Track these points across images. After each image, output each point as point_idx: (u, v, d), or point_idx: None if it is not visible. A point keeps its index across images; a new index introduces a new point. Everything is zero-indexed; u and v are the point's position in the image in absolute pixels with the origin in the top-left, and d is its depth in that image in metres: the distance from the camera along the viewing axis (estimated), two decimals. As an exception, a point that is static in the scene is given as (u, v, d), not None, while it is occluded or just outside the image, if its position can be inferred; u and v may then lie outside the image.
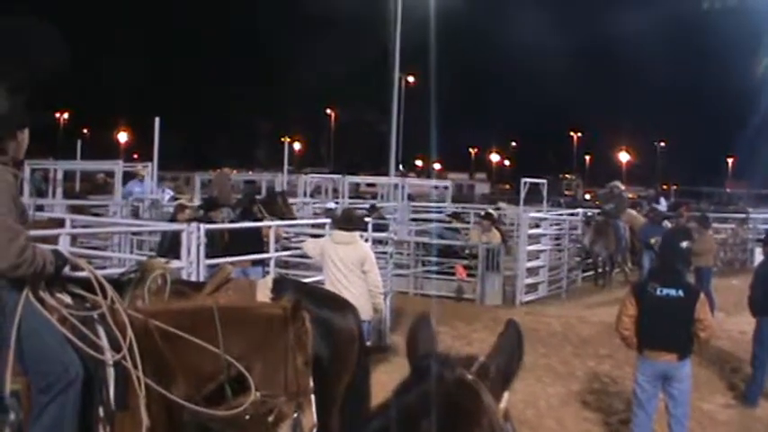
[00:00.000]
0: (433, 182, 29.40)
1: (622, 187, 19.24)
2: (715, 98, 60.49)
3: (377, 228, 11.42)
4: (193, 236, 7.59)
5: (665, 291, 6.42)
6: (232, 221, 10.05)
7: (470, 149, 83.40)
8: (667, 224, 15.67)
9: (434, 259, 15.25)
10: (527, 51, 54.87)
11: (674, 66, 64.00)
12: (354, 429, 4.62)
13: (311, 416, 4.04)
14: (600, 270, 16.79)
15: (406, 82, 37.89)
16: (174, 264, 6.68)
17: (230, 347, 3.89)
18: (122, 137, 62.84)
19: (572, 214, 17.86)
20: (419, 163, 65.00)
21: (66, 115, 64.50)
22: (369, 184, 27.75)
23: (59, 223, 9.09)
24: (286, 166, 19.65)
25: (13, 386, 3.56)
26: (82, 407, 3.60)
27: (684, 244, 7.31)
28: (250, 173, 30.94)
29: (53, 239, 6.84)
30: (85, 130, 53.33)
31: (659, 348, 6.39)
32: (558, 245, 16.52)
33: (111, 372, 3.73)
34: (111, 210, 13.86)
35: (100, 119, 59.13)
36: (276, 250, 9.69)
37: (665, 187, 50.73)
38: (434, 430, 1.62)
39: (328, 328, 5.08)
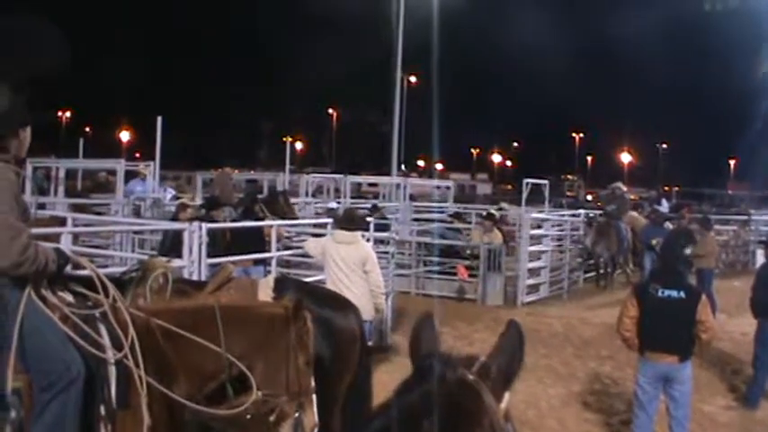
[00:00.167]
0: (435, 182, 29.38)
1: (624, 188, 19.26)
2: (717, 99, 60.54)
3: (378, 227, 11.41)
4: (195, 235, 7.60)
5: (667, 292, 6.41)
6: (234, 221, 10.06)
7: (472, 150, 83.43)
8: (669, 225, 15.65)
9: (436, 259, 15.25)
10: (529, 52, 54.91)
11: (676, 67, 64.03)
12: (356, 429, 4.62)
13: (312, 415, 4.04)
14: (601, 271, 16.78)
15: (408, 82, 37.95)
16: (176, 263, 6.68)
17: (232, 346, 3.89)
18: (124, 136, 62.92)
19: (574, 215, 17.86)
20: (421, 163, 65.07)
21: (68, 113, 64.57)
22: (371, 184, 27.74)
23: (61, 222, 9.09)
24: (288, 166, 19.66)
25: (15, 384, 3.56)
26: (83, 405, 3.60)
27: (688, 251, 7.29)
28: (252, 172, 30.96)
29: (55, 238, 6.84)
30: (87, 129, 53.43)
31: (660, 350, 6.39)
32: (559, 246, 16.52)
33: (112, 370, 3.73)
34: (112, 208, 13.85)
35: (102, 118, 59.23)
36: (278, 250, 9.70)
37: (666, 189, 50.63)
38: (435, 430, 1.62)
39: (330, 327, 5.09)
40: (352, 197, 20.18)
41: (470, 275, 14.61)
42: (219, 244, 8.95)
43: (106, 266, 8.66)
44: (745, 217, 22.32)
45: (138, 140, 53.51)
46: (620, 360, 9.63)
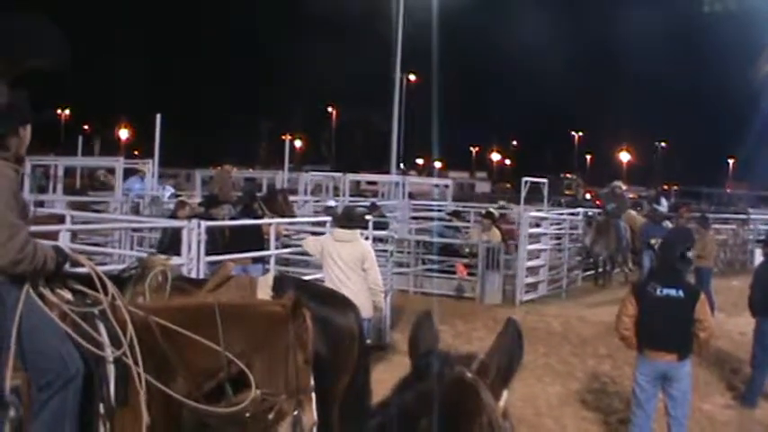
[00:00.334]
0: (434, 180, 29.40)
1: (623, 187, 19.25)
2: (716, 99, 60.56)
3: (377, 226, 11.41)
4: (194, 233, 7.60)
5: (665, 291, 6.42)
6: (233, 219, 10.09)
7: (471, 148, 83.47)
8: (668, 224, 15.66)
9: (435, 258, 15.26)
10: (528, 51, 54.92)
11: (675, 66, 64.10)
12: (355, 427, 4.62)
13: (311, 414, 4.04)
14: (600, 270, 16.80)
15: (408, 80, 37.86)
16: (175, 261, 6.68)
17: (231, 345, 3.89)
18: (123, 133, 62.86)
19: (572, 214, 17.87)
20: (420, 161, 65.05)
21: (67, 111, 64.54)
22: (369, 183, 27.74)
23: (60, 219, 9.09)
24: (287, 164, 19.67)
25: (14, 382, 3.56)
26: (82, 403, 3.60)
27: (689, 254, 7.30)
28: (251, 170, 30.93)
29: (53, 235, 6.84)
30: (86, 127, 53.37)
31: (659, 348, 6.39)
32: (558, 244, 16.53)
33: (111, 368, 3.73)
34: (111, 206, 13.88)
35: (101, 117, 59.17)
36: (276, 248, 9.70)
37: (665, 187, 50.54)
38: (434, 428, 1.62)
39: (329, 325, 5.09)
40: (350, 195, 20.16)
41: (469, 274, 14.62)
42: (218, 242, 8.97)
43: (105, 264, 8.67)
44: (743, 216, 22.34)
45: (136, 138, 53.49)
46: (619, 359, 9.64)
